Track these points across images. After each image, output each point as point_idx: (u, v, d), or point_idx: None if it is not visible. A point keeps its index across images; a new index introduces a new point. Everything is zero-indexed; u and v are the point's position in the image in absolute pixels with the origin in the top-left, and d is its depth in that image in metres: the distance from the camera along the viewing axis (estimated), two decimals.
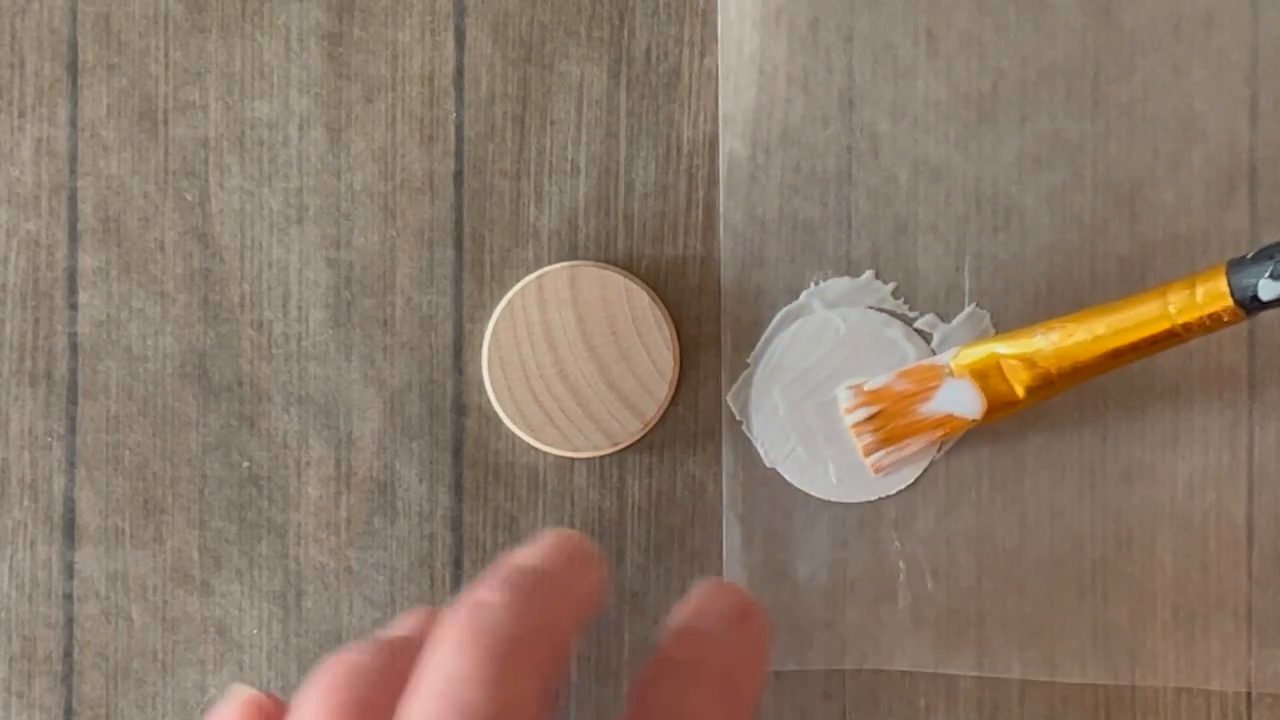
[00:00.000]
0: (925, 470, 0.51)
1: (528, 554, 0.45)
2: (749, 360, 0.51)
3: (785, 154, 0.51)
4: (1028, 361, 0.49)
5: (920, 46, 0.51)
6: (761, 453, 0.51)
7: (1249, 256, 0.46)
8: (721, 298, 0.51)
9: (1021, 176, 0.51)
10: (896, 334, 0.51)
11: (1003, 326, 0.51)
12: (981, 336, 0.51)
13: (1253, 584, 0.51)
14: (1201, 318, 0.47)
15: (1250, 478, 0.51)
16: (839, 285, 0.51)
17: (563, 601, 0.45)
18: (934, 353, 0.51)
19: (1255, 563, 0.51)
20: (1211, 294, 0.47)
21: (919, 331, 0.51)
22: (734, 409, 0.51)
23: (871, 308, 0.51)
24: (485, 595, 0.44)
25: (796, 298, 0.51)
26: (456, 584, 0.52)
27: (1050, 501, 0.52)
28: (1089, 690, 0.51)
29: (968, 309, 0.51)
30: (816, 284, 0.51)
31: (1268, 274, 0.46)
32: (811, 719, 0.52)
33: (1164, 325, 0.47)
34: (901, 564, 0.52)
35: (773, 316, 0.51)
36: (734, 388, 0.51)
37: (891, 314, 0.51)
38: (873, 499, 0.51)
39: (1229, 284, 0.46)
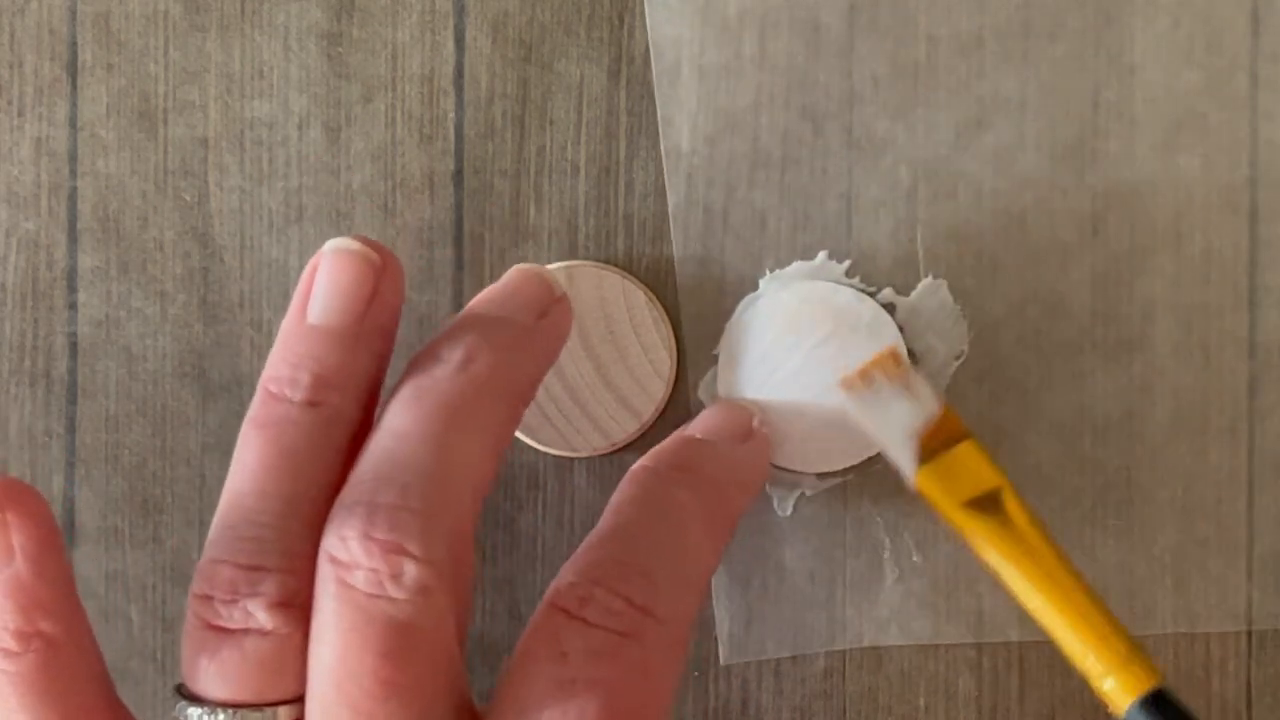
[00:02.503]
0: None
1: (487, 298, 0.46)
2: (715, 352, 0.51)
3: (728, 143, 0.51)
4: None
5: (851, 23, 0.51)
6: None
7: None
8: (679, 294, 0.51)
9: (964, 141, 0.51)
10: (848, 297, 0.51)
11: (962, 294, 0.51)
12: (942, 308, 0.51)
13: (1252, 585, 0.51)
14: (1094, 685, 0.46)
15: (1250, 477, 0.51)
16: (794, 269, 0.51)
17: (519, 351, 0.45)
18: (891, 311, 0.51)
19: (1255, 563, 0.51)
20: (1111, 697, 0.46)
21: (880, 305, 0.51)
22: (705, 401, 0.51)
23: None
24: (438, 350, 0.44)
25: (756, 286, 0.51)
26: None
27: (1036, 460, 0.51)
28: (1089, 690, 0.51)
29: (925, 280, 0.51)
30: (772, 270, 0.51)
31: None
32: (811, 719, 0.52)
33: (1077, 664, 0.47)
34: (886, 539, 0.52)
35: (734, 307, 0.51)
36: (703, 381, 0.51)
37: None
38: (853, 464, 0.51)
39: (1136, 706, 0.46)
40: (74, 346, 0.52)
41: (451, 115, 0.52)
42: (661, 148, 0.51)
